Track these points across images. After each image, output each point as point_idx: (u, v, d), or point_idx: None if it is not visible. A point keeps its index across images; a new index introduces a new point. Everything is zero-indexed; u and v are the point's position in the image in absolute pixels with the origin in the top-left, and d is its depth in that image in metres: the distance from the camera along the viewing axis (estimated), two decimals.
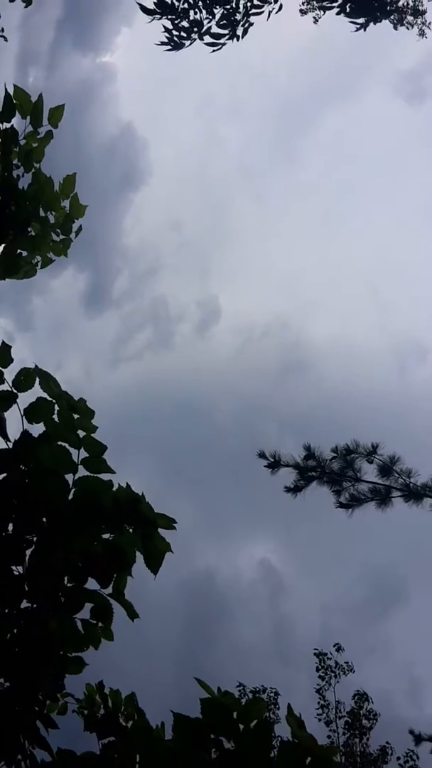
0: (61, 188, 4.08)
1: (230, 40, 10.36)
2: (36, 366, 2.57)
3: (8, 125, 3.84)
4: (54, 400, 2.54)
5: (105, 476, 2.50)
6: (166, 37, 10.42)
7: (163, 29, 10.33)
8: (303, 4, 14.31)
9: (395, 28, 15.06)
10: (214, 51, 10.38)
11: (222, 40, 10.32)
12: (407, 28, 15.21)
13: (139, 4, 10.16)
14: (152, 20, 10.28)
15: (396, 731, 15.04)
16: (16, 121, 3.87)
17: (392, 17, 14.55)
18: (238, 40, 10.34)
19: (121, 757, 2.33)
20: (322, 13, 14.75)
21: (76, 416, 2.54)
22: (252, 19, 10.24)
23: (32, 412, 2.53)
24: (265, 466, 13.05)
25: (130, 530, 2.48)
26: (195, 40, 10.41)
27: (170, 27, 10.33)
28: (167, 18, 10.25)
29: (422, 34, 15.33)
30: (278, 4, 10.40)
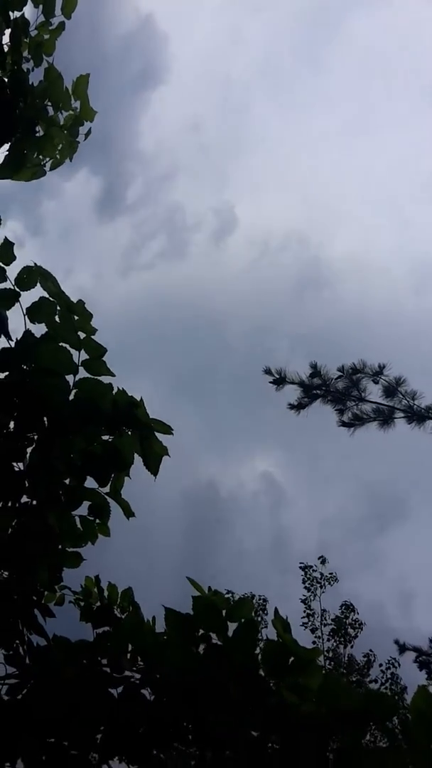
0: (73, 88, 3.92)
1: None
2: (36, 264, 2.55)
3: (19, 14, 3.65)
4: (55, 300, 2.54)
5: (105, 379, 2.52)
6: None
7: None
8: None
9: None
10: None
11: None
12: None
13: None
14: None
15: (385, 640, 15.74)
16: (28, 10, 3.69)
17: None
18: None
19: (113, 646, 2.44)
20: None
21: (75, 317, 2.54)
22: None
23: (34, 312, 2.53)
24: (270, 382, 13.14)
25: (129, 433, 2.53)
26: None
27: None
28: None
29: None
30: None
